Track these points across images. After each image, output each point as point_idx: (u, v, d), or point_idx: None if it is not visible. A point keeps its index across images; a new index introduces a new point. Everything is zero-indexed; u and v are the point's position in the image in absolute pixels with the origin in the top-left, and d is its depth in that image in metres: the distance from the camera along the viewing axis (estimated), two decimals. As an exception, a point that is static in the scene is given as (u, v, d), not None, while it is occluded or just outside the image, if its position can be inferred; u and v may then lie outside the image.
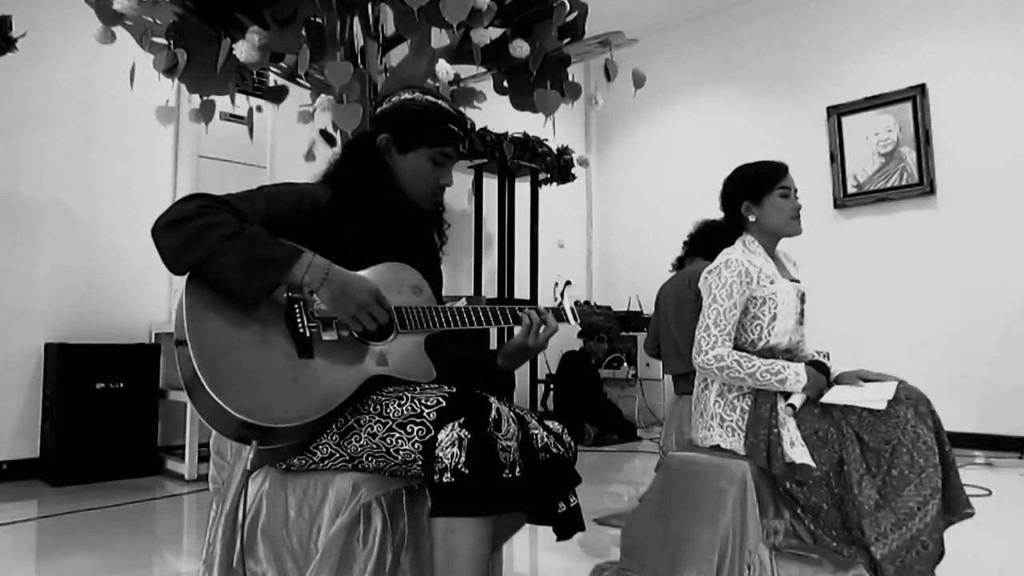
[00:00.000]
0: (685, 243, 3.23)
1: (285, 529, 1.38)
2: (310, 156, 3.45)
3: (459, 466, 1.20)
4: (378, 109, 1.59)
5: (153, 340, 4.11)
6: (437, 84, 2.69)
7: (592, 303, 1.74)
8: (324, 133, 3.40)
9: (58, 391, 3.65)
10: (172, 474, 3.85)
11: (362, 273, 1.42)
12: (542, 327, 1.54)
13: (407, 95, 1.56)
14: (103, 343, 3.85)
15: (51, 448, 3.64)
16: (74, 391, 3.66)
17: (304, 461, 1.38)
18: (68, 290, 3.94)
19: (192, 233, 1.26)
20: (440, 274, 1.70)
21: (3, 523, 2.90)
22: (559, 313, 1.62)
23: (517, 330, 1.57)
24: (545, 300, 5.38)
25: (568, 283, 1.67)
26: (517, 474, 1.25)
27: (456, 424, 1.23)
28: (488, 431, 1.23)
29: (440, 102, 1.55)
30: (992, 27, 4.62)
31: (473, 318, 1.50)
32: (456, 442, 1.21)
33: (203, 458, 3.70)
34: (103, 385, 3.74)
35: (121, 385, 3.79)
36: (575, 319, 1.64)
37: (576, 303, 1.67)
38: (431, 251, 1.67)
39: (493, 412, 1.26)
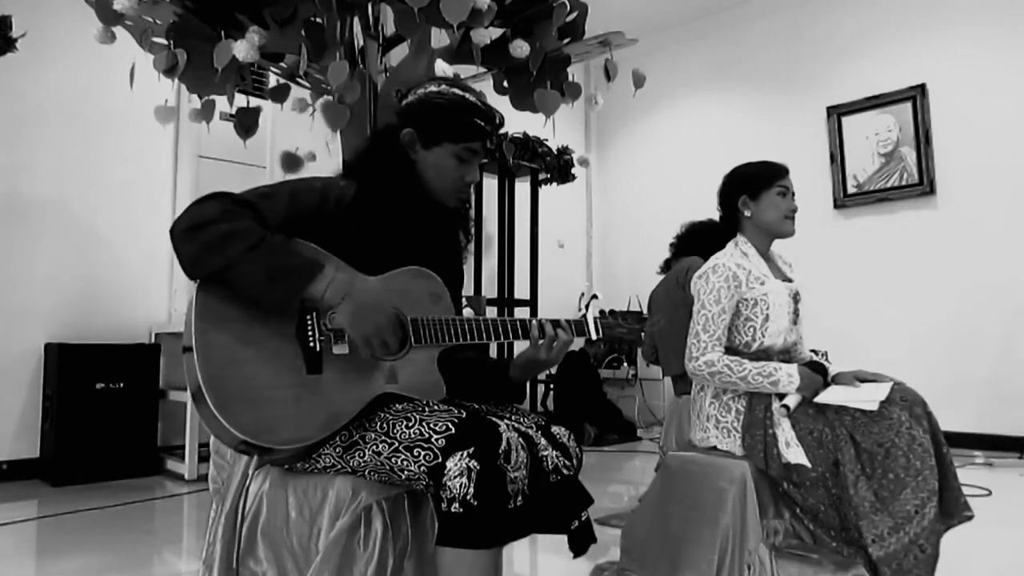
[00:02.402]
0: (672, 244, 3.21)
1: (285, 529, 1.38)
2: (311, 156, 3.44)
3: (468, 497, 1.18)
4: (403, 101, 1.54)
5: (153, 340, 4.11)
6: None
7: (616, 311, 1.68)
8: (287, 156, 3.39)
9: (58, 391, 3.64)
10: (172, 474, 3.85)
11: (379, 279, 1.39)
12: (555, 342, 1.48)
13: (433, 87, 1.50)
14: (103, 343, 3.85)
15: (51, 448, 3.64)
16: (74, 391, 3.66)
17: (306, 466, 1.38)
18: (68, 290, 3.94)
19: (212, 240, 1.23)
20: (461, 274, 1.66)
21: (3, 523, 2.90)
22: (581, 326, 1.57)
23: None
24: (545, 300, 5.38)
25: (595, 296, 1.63)
26: (520, 503, 1.23)
27: (465, 454, 1.20)
28: (498, 463, 1.21)
29: (467, 95, 1.49)
30: (992, 27, 4.62)
31: (490, 332, 1.45)
32: (465, 472, 1.19)
33: (203, 458, 3.70)
34: (103, 385, 3.73)
35: (121, 385, 3.79)
36: (598, 333, 1.58)
37: (601, 313, 1.63)
38: (455, 250, 1.63)
39: (503, 443, 1.23)
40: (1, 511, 3.10)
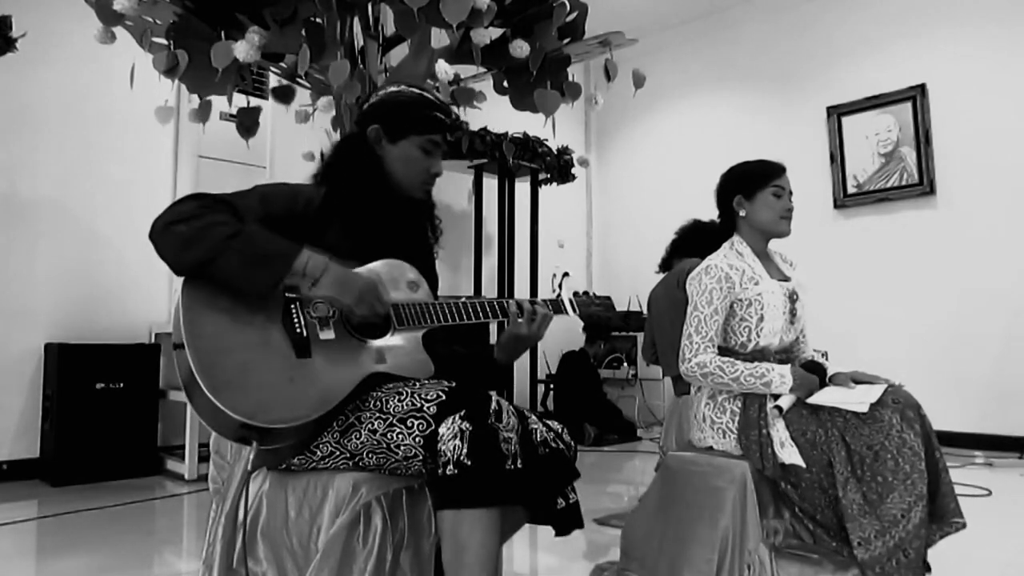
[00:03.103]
0: (673, 242, 3.20)
1: (285, 529, 1.38)
2: (310, 156, 3.44)
3: (462, 458, 1.20)
4: (365, 105, 1.62)
5: (153, 340, 4.11)
6: (436, 84, 2.69)
7: (592, 293, 1.72)
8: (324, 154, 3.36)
9: (58, 391, 3.64)
10: (172, 474, 3.85)
11: (359, 270, 1.43)
12: (534, 316, 1.55)
13: (392, 88, 1.59)
14: (103, 343, 3.85)
15: (51, 448, 3.64)
16: (74, 391, 3.66)
17: (304, 460, 1.38)
18: (68, 290, 3.94)
19: (192, 234, 1.27)
20: (434, 268, 1.70)
21: (3, 523, 2.90)
22: (558, 305, 1.63)
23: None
24: (545, 299, 5.38)
25: (566, 275, 1.67)
26: (519, 466, 1.25)
27: (457, 417, 1.24)
28: (489, 422, 1.24)
29: (425, 93, 1.58)
30: (992, 27, 4.62)
31: (471, 312, 1.50)
32: (458, 434, 1.22)
33: (203, 458, 3.70)
34: (103, 385, 3.73)
35: (121, 385, 3.78)
36: (574, 311, 1.64)
37: (575, 293, 1.67)
38: (425, 246, 1.67)
39: (493, 404, 1.27)
40: (1, 511, 3.10)
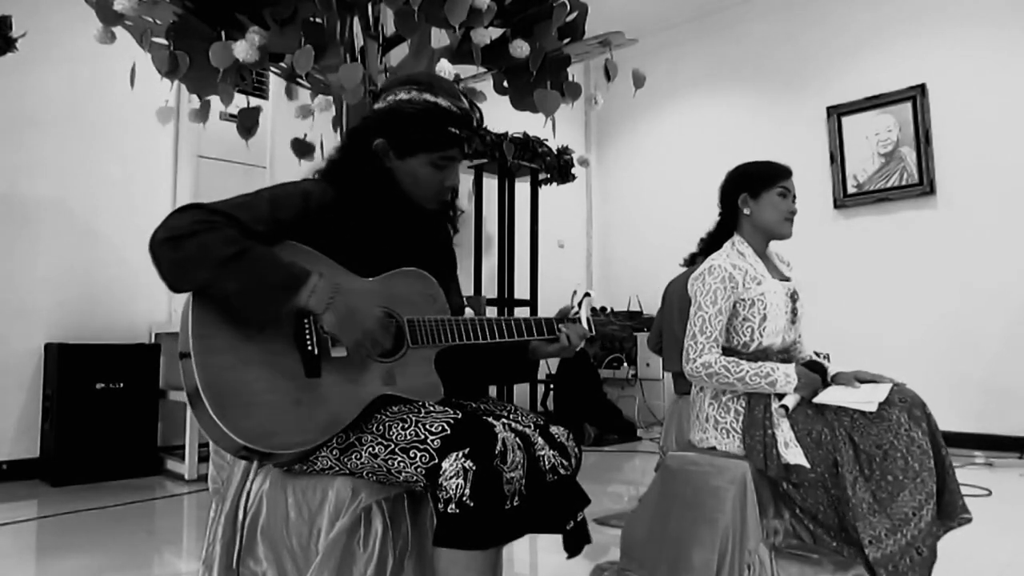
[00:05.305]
0: (703, 240, 3.18)
1: (285, 530, 1.37)
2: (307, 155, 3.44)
3: (464, 498, 1.18)
4: (374, 105, 1.51)
5: (153, 340, 4.11)
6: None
7: (610, 310, 1.73)
8: (297, 143, 3.33)
9: (58, 391, 3.64)
10: (172, 474, 3.85)
11: (373, 281, 1.39)
12: (577, 337, 1.57)
13: (403, 94, 1.45)
14: (103, 343, 3.85)
15: (51, 448, 3.64)
16: (74, 391, 3.66)
17: (304, 467, 1.38)
18: (68, 290, 3.94)
19: (189, 254, 1.20)
20: (455, 264, 1.66)
21: (3, 523, 2.90)
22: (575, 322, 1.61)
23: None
24: (545, 300, 5.38)
25: (587, 294, 1.66)
26: (516, 504, 1.23)
27: (461, 454, 1.20)
28: (494, 464, 1.21)
29: (439, 100, 1.44)
30: (992, 27, 4.62)
31: (487, 331, 1.45)
32: (460, 473, 1.19)
33: (203, 458, 3.70)
34: (103, 385, 3.73)
35: (121, 385, 3.78)
36: (591, 330, 1.62)
37: (593, 311, 1.67)
38: (445, 243, 1.62)
39: (499, 444, 1.23)
40: (1, 511, 3.10)
